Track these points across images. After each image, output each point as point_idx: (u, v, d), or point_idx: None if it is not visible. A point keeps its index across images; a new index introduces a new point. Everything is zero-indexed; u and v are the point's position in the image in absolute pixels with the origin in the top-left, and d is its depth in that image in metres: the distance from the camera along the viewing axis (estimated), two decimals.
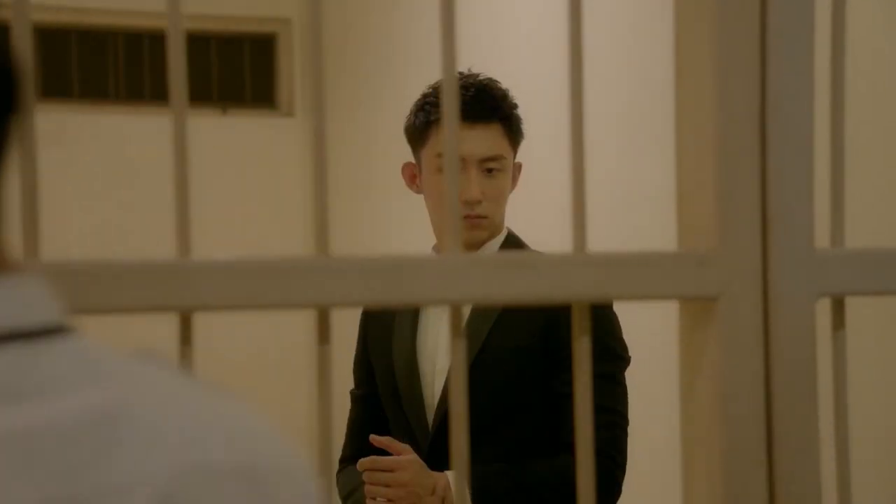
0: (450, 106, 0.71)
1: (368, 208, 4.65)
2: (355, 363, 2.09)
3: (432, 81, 2.00)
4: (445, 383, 1.86)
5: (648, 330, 2.08)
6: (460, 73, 1.93)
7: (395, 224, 4.34)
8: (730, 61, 0.74)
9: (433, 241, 1.98)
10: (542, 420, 1.86)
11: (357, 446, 1.98)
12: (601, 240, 1.91)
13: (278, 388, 5.14)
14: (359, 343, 2.08)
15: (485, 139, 1.89)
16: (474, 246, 1.90)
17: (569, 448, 1.75)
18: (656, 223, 2.48)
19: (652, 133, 2.52)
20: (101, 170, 5.13)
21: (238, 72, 5.40)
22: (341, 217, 4.68)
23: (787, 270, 0.75)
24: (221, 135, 5.26)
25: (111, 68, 5.25)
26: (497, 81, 1.96)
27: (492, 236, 1.93)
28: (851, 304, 0.83)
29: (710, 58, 0.74)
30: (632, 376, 1.90)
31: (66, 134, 5.06)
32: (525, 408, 1.87)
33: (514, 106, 1.96)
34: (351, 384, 2.07)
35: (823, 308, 0.79)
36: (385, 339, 1.99)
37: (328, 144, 0.69)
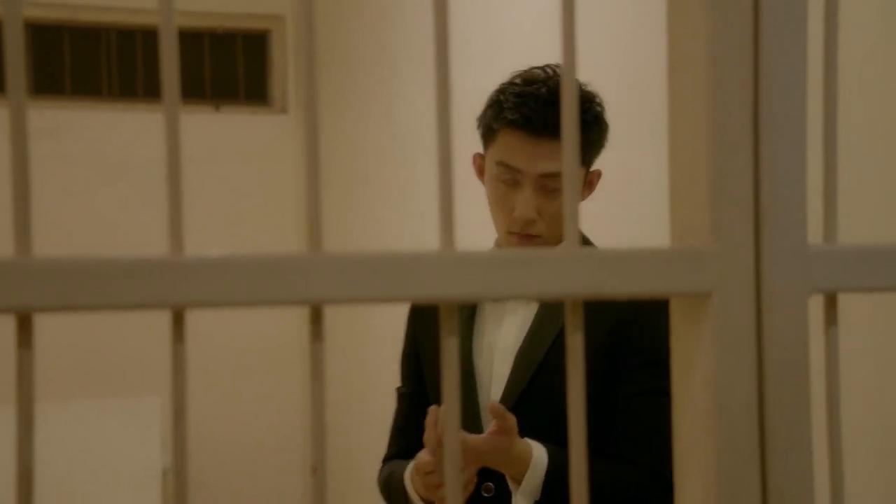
0: (442, 106, 0.71)
1: (362, 204, 4.64)
2: (402, 359, 1.97)
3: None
4: (505, 389, 1.76)
5: None
6: (541, 68, 1.74)
7: (388, 220, 4.34)
8: (723, 56, 0.74)
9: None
10: (600, 427, 1.69)
11: (402, 446, 1.88)
12: (595, 236, 1.91)
13: (272, 385, 5.14)
14: (406, 339, 1.95)
15: (548, 155, 1.69)
16: None
17: (625, 461, 1.67)
18: (649, 219, 2.48)
19: (644, 129, 2.52)
20: (93, 166, 5.12)
21: (231, 68, 5.39)
22: (335, 213, 4.68)
23: (780, 266, 0.75)
24: (214, 131, 5.26)
25: (104, 65, 5.24)
26: (581, 85, 1.73)
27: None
28: (844, 300, 0.83)
29: (703, 53, 0.74)
30: None
31: (58, 130, 5.05)
32: (587, 413, 1.80)
33: (595, 115, 1.75)
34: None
35: (816, 304, 0.79)
36: (436, 338, 1.88)
37: (321, 141, 0.69)
